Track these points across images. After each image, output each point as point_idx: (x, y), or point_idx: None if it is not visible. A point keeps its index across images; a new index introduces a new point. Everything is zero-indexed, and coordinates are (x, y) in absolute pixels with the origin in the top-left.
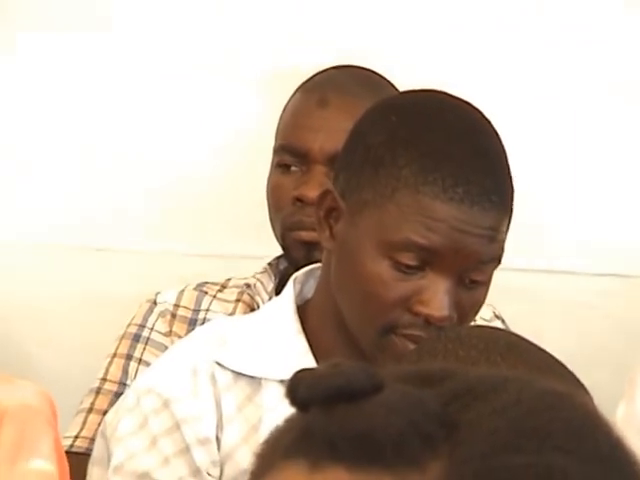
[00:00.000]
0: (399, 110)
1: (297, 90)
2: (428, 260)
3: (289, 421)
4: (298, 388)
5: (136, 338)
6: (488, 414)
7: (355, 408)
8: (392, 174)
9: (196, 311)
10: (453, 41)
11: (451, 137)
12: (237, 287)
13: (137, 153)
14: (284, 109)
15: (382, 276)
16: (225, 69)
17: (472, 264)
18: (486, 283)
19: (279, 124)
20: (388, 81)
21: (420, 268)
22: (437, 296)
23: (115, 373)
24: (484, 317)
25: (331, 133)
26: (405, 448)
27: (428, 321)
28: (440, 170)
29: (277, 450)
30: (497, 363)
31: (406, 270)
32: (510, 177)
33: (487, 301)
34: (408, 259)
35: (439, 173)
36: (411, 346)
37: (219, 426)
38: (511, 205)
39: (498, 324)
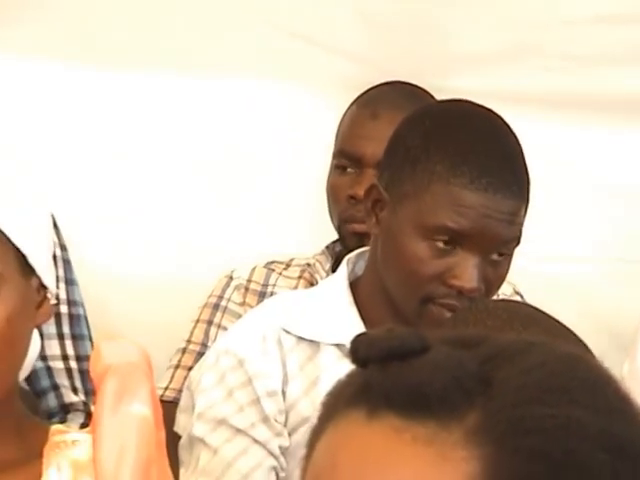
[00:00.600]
0: (432, 116)
1: (353, 103)
2: (459, 241)
3: (350, 376)
4: (359, 348)
5: (215, 307)
6: (516, 373)
7: (406, 365)
8: (427, 170)
9: (265, 285)
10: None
11: (476, 138)
12: (299, 266)
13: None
14: (342, 119)
15: (420, 255)
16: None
17: (495, 243)
18: (507, 259)
19: (337, 132)
20: (431, 95)
21: (452, 248)
22: (467, 270)
23: (198, 335)
24: (505, 293)
25: (381, 141)
26: (447, 400)
27: (460, 292)
28: (467, 165)
29: (340, 399)
30: (519, 331)
31: (440, 249)
32: (527, 171)
33: (508, 280)
34: (442, 240)
35: (466, 167)
36: (447, 314)
37: (284, 381)
38: (527, 195)
39: (518, 299)
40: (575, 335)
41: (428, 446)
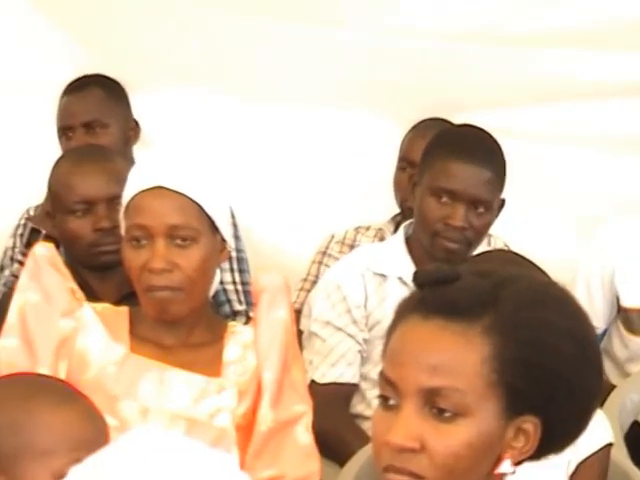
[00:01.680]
0: (442, 131)
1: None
2: (452, 198)
3: (410, 295)
4: (418, 276)
5: (323, 254)
6: (514, 292)
7: (446, 287)
8: (435, 155)
9: (353, 241)
10: None
11: (467, 139)
12: (375, 229)
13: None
14: (407, 132)
15: (430, 207)
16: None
17: (474, 200)
18: (488, 213)
19: (403, 140)
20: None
21: (449, 201)
22: (457, 214)
23: (313, 272)
24: (499, 246)
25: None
26: (471, 308)
27: (455, 228)
28: (458, 150)
29: (405, 309)
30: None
31: (441, 203)
32: (504, 167)
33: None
34: (443, 197)
35: (458, 152)
36: (449, 244)
37: (365, 298)
38: (501, 178)
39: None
40: (543, 270)
41: (460, 336)
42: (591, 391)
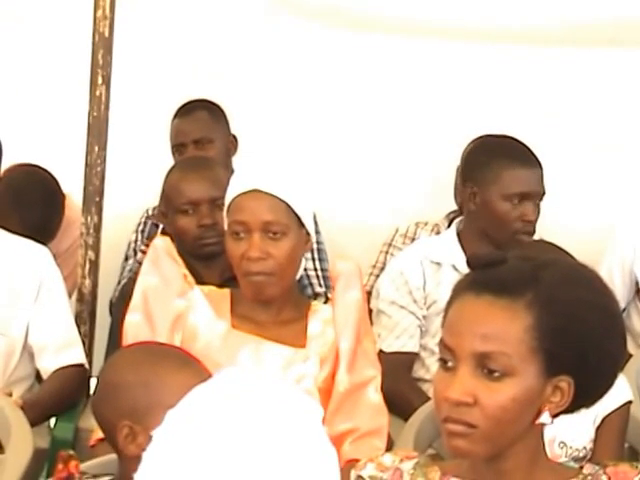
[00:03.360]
0: (487, 143)
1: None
2: (523, 198)
3: (465, 276)
4: (472, 260)
5: (389, 245)
6: (552, 273)
7: (495, 269)
8: (496, 168)
9: (414, 234)
10: None
11: (511, 149)
12: (432, 224)
13: None
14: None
15: (507, 210)
16: None
17: (537, 197)
18: (538, 206)
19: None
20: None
21: (520, 202)
22: (530, 210)
23: (381, 260)
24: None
25: None
26: (516, 287)
27: (530, 222)
28: (515, 160)
29: (460, 287)
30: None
31: (514, 205)
32: (539, 161)
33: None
34: (514, 200)
35: (514, 161)
36: (526, 238)
37: (432, 283)
38: (542, 171)
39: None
40: (570, 255)
41: (506, 310)
42: (616, 354)
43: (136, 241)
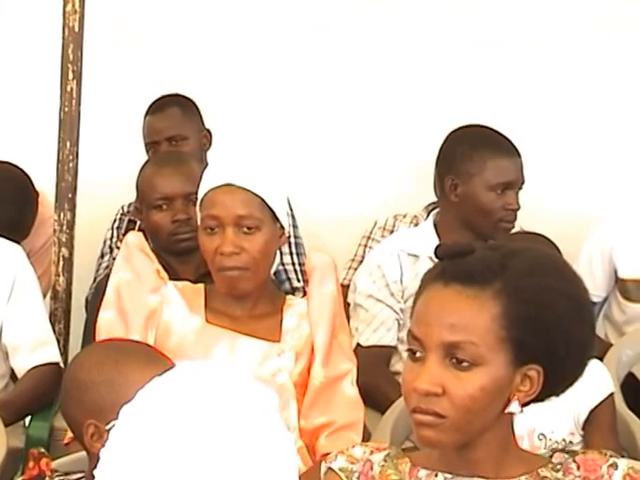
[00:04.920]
0: (466, 135)
1: None
2: (507, 187)
3: (434, 266)
4: (439, 250)
5: (367, 239)
6: (520, 262)
7: (463, 259)
8: (479, 159)
9: (393, 226)
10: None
11: (493, 138)
12: (410, 217)
13: None
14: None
15: (491, 200)
16: None
17: (517, 185)
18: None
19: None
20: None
21: (504, 191)
22: (514, 199)
23: (360, 253)
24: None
25: None
26: (483, 276)
27: (514, 211)
28: (496, 151)
29: (429, 278)
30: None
31: (498, 194)
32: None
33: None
34: (498, 190)
35: (497, 152)
36: (509, 225)
37: (401, 275)
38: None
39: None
40: (554, 244)
41: (474, 299)
42: (585, 342)
43: (112, 238)
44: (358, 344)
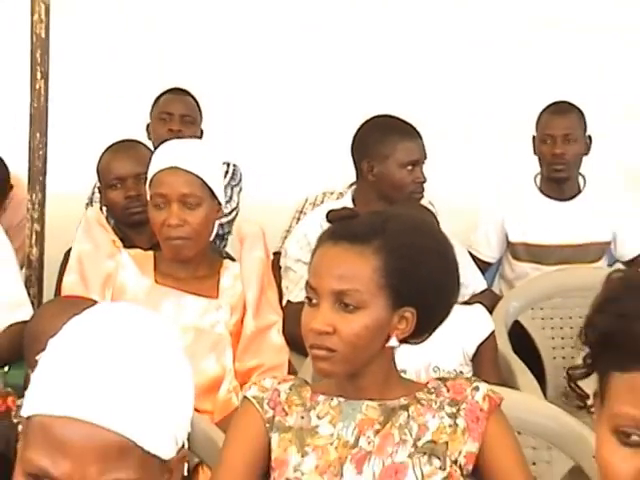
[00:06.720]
0: (375, 123)
1: None
2: (415, 165)
3: (327, 229)
4: (330, 215)
5: (299, 212)
6: (398, 223)
7: (349, 222)
8: (389, 144)
9: (322, 202)
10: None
11: (399, 120)
12: (337, 193)
13: None
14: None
15: (404, 176)
16: None
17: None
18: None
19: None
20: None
21: (412, 167)
22: (421, 173)
23: (293, 226)
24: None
25: None
26: (366, 235)
27: (422, 184)
28: (403, 136)
29: (322, 239)
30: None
31: (408, 170)
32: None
33: None
34: (409, 167)
35: (405, 137)
36: (419, 196)
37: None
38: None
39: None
40: (432, 213)
41: (358, 255)
42: (451, 291)
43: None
44: (288, 300)
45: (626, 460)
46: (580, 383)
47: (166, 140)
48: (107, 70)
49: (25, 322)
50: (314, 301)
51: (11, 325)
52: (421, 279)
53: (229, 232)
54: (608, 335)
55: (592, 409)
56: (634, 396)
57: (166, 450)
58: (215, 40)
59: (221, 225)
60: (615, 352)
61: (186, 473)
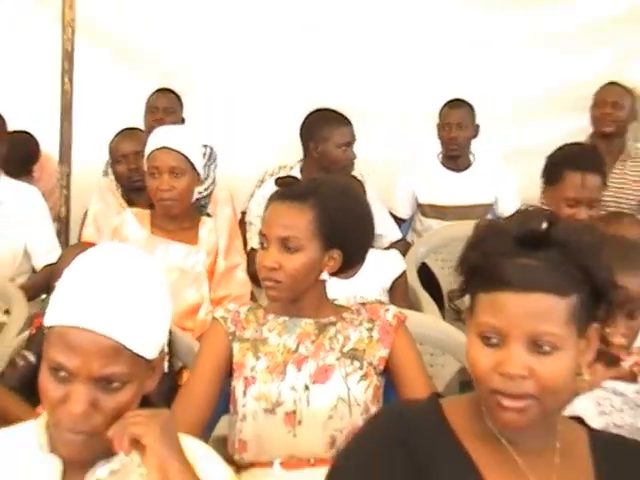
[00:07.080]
0: (310, 118)
1: None
2: (348, 145)
3: (276, 191)
4: (278, 181)
5: (261, 181)
6: (328, 187)
7: (292, 185)
8: (324, 130)
9: (277, 174)
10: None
11: (331, 111)
12: (290, 166)
13: None
14: None
15: (339, 155)
16: None
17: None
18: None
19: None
20: None
21: (346, 148)
22: (352, 152)
23: (254, 190)
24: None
25: None
26: (304, 195)
27: (353, 159)
28: (334, 125)
29: (272, 198)
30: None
31: (342, 150)
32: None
33: None
34: (343, 147)
35: (334, 126)
36: (350, 169)
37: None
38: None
39: None
40: (360, 181)
41: (298, 210)
42: (367, 239)
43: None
44: (251, 248)
45: (487, 357)
46: (457, 302)
47: (153, 127)
48: (115, 71)
49: (55, 263)
50: (265, 245)
51: (46, 265)
52: (345, 229)
53: (208, 203)
54: (476, 267)
55: (466, 321)
56: (493, 310)
57: (150, 352)
58: (197, 43)
59: (202, 197)
60: (480, 279)
61: (167, 370)
